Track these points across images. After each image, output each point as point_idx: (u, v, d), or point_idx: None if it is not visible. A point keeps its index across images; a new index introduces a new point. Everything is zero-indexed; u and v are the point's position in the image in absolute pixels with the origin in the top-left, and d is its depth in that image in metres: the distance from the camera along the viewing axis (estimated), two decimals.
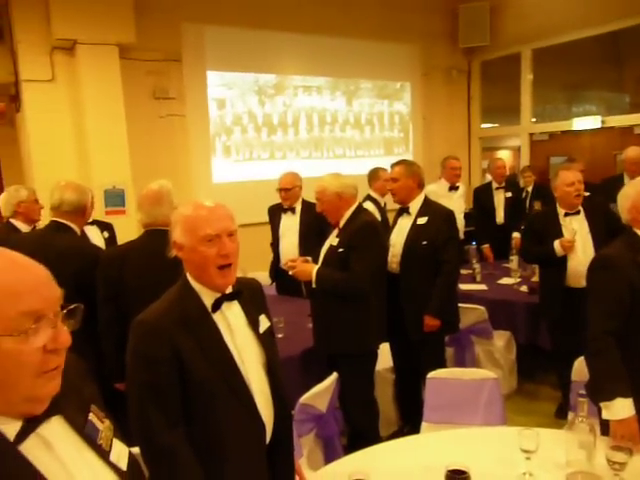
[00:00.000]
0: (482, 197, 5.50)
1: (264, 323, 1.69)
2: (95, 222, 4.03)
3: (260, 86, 6.19)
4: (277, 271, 4.30)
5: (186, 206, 1.57)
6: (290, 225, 4.15)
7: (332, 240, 2.91)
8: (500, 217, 5.36)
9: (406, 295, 3.19)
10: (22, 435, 0.85)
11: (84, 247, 2.88)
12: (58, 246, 2.61)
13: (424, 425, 2.59)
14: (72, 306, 0.90)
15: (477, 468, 1.66)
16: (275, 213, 4.36)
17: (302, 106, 6.49)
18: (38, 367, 0.85)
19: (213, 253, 1.49)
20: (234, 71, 5.97)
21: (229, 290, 1.59)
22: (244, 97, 6.08)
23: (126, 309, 2.52)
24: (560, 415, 3.48)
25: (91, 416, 1.01)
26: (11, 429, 0.84)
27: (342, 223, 2.90)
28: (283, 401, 1.68)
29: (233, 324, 1.58)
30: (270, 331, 1.72)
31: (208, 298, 1.55)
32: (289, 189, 4.11)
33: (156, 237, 2.54)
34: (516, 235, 5.11)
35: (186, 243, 1.52)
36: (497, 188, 5.38)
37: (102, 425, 1.02)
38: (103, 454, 0.98)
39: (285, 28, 6.05)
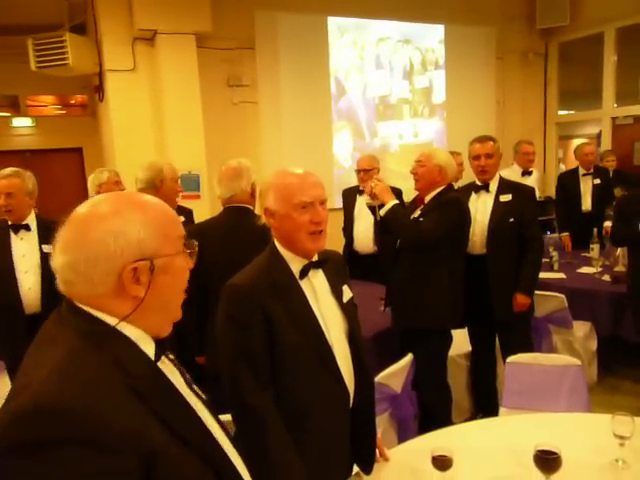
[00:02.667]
0: (567, 184, 5.25)
1: (347, 293, 1.70)
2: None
3: (331, 71, 6.21)
4: (350, 255, 4.31)
5: (277, 173, 1.59)
6: (366, 207, 4.15)
7: (414, 214, 2.90)
8: (587, 205, 5.12)
9: (494, 274, 3.10)
10: (158, 355, 0.98)
11: None
12: None
13: (502, 410, 2.52)
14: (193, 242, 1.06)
15: (566, 452, 1.59)
16: (350, 196, 4.38)
17: (372, 91, 6.47)
18: (185, 284, 1.03)
19: (306, 220, 1.51)
20: (306, 58, 6.02)
21: (315, 258, 1.62)
22: (316, 83, 6.12)
23: (206, 283, 2.61)
24: None
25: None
26: (149, 350, 0.96)
27: (427, 199, 2.91)
28: (365, 370, 1.68)
29: (319, 292, 1.60)
30: (352, 301, 1.73)
31: (296, 265, 1.57)
32: (368, 170, 4.12)
33: (234, 214, 2.61)
34: (607, 224, 4.86)
35: (279, 210, 1.54)
36: (584, 175, 5.13)
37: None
38: (190, 384, 1.09)
39: (356, 14, 6.03)
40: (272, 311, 1.49)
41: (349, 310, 1.66)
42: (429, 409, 2.89)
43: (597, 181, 5.11)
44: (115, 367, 0.87)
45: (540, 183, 5.48)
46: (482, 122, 6.90)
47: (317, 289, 1.59)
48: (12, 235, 2.93)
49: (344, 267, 1.78)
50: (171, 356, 1.07)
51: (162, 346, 0.99)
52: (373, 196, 2.91)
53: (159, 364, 0.98)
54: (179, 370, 1.07)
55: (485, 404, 3.40)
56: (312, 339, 1.53)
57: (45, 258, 2.89)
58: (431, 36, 6.71)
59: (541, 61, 7.30)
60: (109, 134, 5.57)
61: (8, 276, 2.87)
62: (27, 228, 2.93)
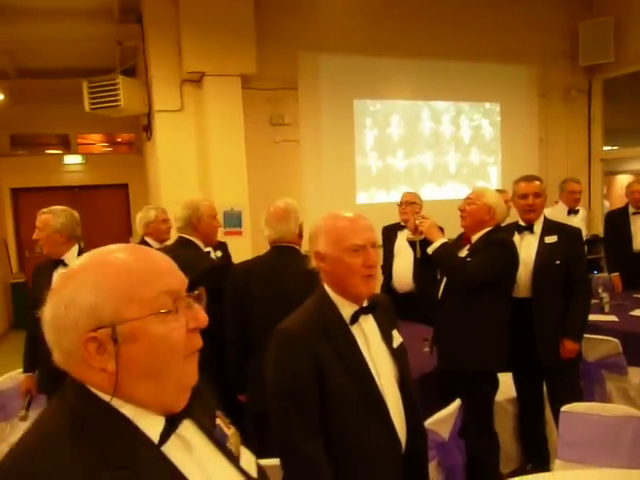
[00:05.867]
0: (617, 222, 5.09)
1: (397, 338, 1.66)
2: None
3: (370, 112, 6.29)
4: (388, 293, 4.25)
5: (328, 217, 1.59)
6: (406, 243, 4.11)
7: (461, 253, 2.85)
8: (638, 244, 4.94)
9: (540, 318, 3.00)
10: (165, 436, 0.84)
11: (197, 260, 2.84)
12: (180, 259, 2.70)
13: (557, 463, 2.39)
14: (197, 292, 0.91)
15: None
16: (390, 233, 4.35)
17: (406, 131, 6.51)
18: (185, 347, 0.86)
19: (359, 263, 1.50)
20: (346, 98, 6.13)
21: (365, 303, 1.59)
22: (357, 123, 6.21)
23: (249, 320, 2.61)
24: None
25: (218, 421, 0.99)
26: (154, 430, 0.84)
27: (474, 239, 2.86)
28: (417, 419, 1.64)
29: (369, 337, 1.57)
30: (403, 347, 1.68)
31: (346, 310, 1.55)
32: (411, 202, 4.10)
33: (281, 253, 2.63)
34: None
35: (330, 253, 1.53)
36: (634, 213, 4.97)
37: (229, 431, 1.00)
38: (233, 459, 0.96)
39: (397, 54, 6.11)
40: (323, 357, 1.47)
41: (399, 356, 1.62)
42: (477, 458, 2.77)
43: None
44: (93, 457, 0.76)
45: (587, 222, 5.32)
46: (525, 159, 6.82)
47: (368, 335, 1.57)
48: (55, 271, 3.01)
49: (393, 311, 1.75)
50: (218, 420, 0.96)
51: (174, 421, 0.86)
52: (415, 231, 2.88)
53: (170, 442, 0.84)
54: (205, 429, 0.93)
55: (534, 453, 3.26)
56: (363, 386, 1.50)
57: None
58: None
59: (584, 98, 7.20)
60: (155, 171, 5.75)
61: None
62: (63, 264, 2.97)
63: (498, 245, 2.77)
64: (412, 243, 2.96)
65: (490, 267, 2.67)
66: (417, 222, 2.88)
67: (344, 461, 1.48)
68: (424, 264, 3.08)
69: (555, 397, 3.05)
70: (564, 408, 2.40)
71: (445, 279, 2.91)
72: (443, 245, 2.77)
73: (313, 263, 1.60)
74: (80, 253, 3.03)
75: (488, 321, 2.77)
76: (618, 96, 7.21)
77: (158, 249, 3.49)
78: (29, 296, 3.17)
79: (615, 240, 5.06)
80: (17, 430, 3.25)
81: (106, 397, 0.81)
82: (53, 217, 2.95)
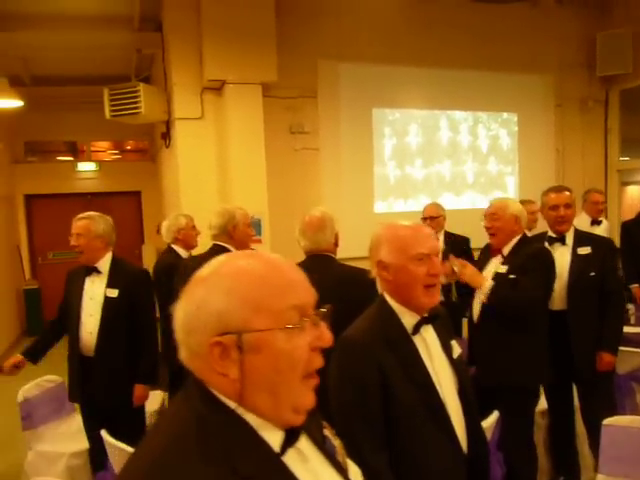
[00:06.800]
0: (632, 232, 5.06)
1: (456, 349, 1.64)
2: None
3: (389, 121, 6.30)
4: None
5: (389, 226, 1.58)
6: None
7: (497, 268, 2.79)
8: None
9: (577, 331, 2.97)
10: (284, 447, 0.83)
11: None
12: None
13: (600, 477, 2.36)
14: (324, 309, 0.87)
15: None
16: None
17: (424, 140, 6.50)
18: (305, 366, 0.83)
19: (423, 272, 1.49)
20: (365, 107, 6.13)
21: (425, 314, 1.57)
22: (375, 132, 6.21)
23: None
24: None
25: (326, 432, 0.98)
26: (275, 440, 0.83)
27: (507, 250, 2.81)
28: (479, 428, 1.62)
29: (431, 347, 1.55)
30: (461, 357, 1.66)
31: (407, 319, 1.53)
32: (435, 217, 4.09)
33: (318, 261, 2.60)
34: None
35: (394, 262, 1.51)
36: None
37: (336, 442, 0.99)
38: (343, 472, 0.95)
39: (415, 63, 6.12)
40: (386, 367, 1.45)
41: (460, 366, 1.60)
42: (515, 471, 2.73)
43: None
44: (222, 464, 0.75)
45: (609, 232, 5.29)
46: (542, 169, 6.82)
47: (429, 345, 1.55)
48: (87, 277, 2.97)
49: (449, 322, 1.72)
50: (326, 431, 0.96)
51: (294, 433, 0.85)
52: (452, 274, 2.77)
53: (289, 453, 0.84)
54: (317, 444, 0.93)
55: (565, 466, 3.21)
56: (426, 396, 1.48)
57: (107, 303, 2.89)
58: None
59: (601, 108, 7.18)
60: (174, 179, 5.74)
61: (75, 318, 2.92)
62: (97, 271, 2.94)
63: (541, 259, 2.73)
64: (447, 286, 2.89)
65: (546, 287, 2.68)
66: (455, 269, 2.77)
67: (407, 471, 1.46)
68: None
69: (589, 410, 3.02)
70: (606, 421, 2.37)
71: (478, 300, 2.84)
72: (494, 288, 2.67)
73: (373, 272, 1.58)
74: (113, 260, 3.02)
75: (528, 335, 2.72)
76: (634, 106, 7.20)
77: (192, 257, 3.46)
78: (61, 301, 3.15)
79: (631, 250, 5.02)
80: (43, 438, 3.23)
81: (231, 403, 0.81)
82: (93, 223, 2.93)
